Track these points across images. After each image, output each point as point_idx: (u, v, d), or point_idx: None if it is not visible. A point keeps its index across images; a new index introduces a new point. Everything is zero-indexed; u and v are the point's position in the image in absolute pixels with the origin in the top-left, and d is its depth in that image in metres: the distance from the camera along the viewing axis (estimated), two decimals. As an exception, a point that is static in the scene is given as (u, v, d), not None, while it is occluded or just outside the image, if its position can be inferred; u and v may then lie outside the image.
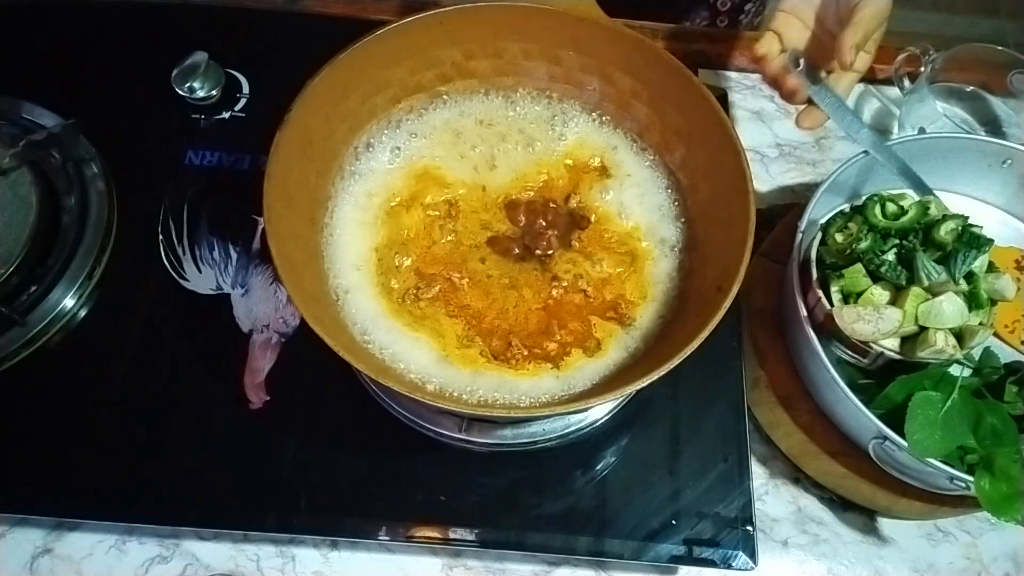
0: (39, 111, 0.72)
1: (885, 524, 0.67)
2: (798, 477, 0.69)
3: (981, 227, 0.61)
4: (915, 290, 0.59)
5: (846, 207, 0.68)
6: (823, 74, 0.64)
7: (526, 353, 0.57)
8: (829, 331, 0.61)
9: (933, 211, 0.63)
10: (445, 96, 0.66)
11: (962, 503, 0.61)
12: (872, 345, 0.60)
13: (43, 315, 0.65)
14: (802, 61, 0.62)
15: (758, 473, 0.68)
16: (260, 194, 0.52)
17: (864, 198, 0.64)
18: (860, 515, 0.68)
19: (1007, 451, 0.55)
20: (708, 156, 0.59)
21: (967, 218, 0.62)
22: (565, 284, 0.60)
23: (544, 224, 0.62)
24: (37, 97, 0.73)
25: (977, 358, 0.61)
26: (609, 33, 0.61)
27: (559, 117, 0.66)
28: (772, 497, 0.68)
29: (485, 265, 0.60)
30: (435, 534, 0.60)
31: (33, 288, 0.66)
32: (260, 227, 0.70)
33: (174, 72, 0.73)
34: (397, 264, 0.60)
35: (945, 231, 0.60)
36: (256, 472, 0.61)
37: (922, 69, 0.79)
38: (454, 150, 0.64)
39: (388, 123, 0.64)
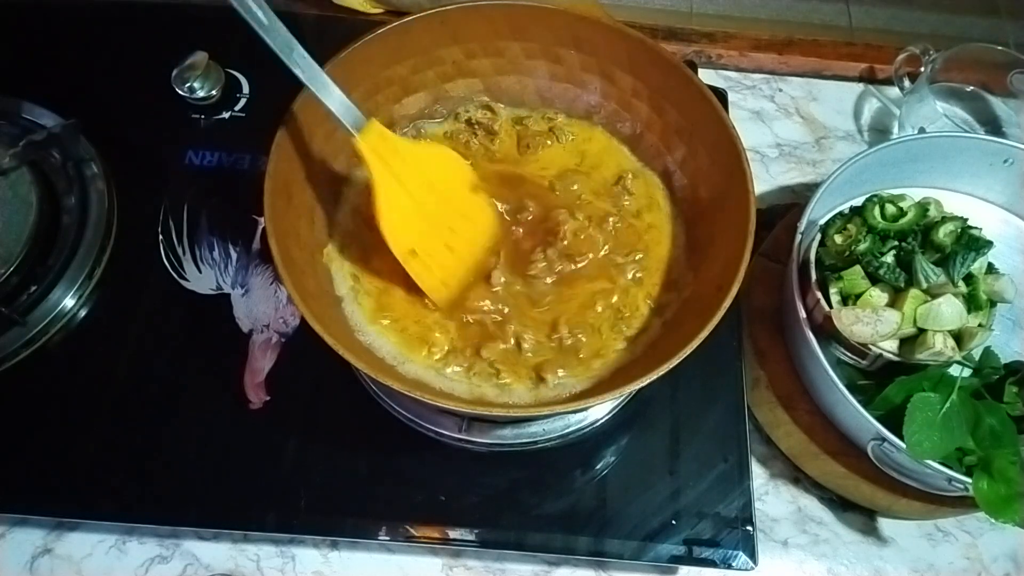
0: (39, 111, 0.72)
1: (885, 524, 0.67)
2: (798, 477, 0.69)
3: (980, 229, 0.61)
4: (914, 292, 0.59)
5: (845, 208, 0.68)
6: None
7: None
8: (828, 332, 0.61)
9: (932, 213, 0.63)
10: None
11: (962, 503, 0.61)
12: (871, 347, 0.60)
13: (43, 315, 0.65)
14: None
15: (758, 473, 0.68)
16: (260, 194, 0.52)
17: (863, 199, 0.64)
18: (860, 515, 0.68)
19: (1006, 453, 0.55)
20: (709, 156, 0.59)
21: (966, 220, 0.62)
22: (562, 277, 0.60)
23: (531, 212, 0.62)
24: (37, 97, 0.73)
25: (977, 359, 0.61)
26: (610, 32, 0.61)
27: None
28: (772, 497, 0.68)
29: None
30: (435, 534, 0.60)
31: (33, 288, 0.66)
32: (260, 227, 0.70)
33: (174, 72, 0.73)
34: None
35: (944, 233, 0.60)
36: (256, 472, 0.61)
37: (922, 69, 0.79)
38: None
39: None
